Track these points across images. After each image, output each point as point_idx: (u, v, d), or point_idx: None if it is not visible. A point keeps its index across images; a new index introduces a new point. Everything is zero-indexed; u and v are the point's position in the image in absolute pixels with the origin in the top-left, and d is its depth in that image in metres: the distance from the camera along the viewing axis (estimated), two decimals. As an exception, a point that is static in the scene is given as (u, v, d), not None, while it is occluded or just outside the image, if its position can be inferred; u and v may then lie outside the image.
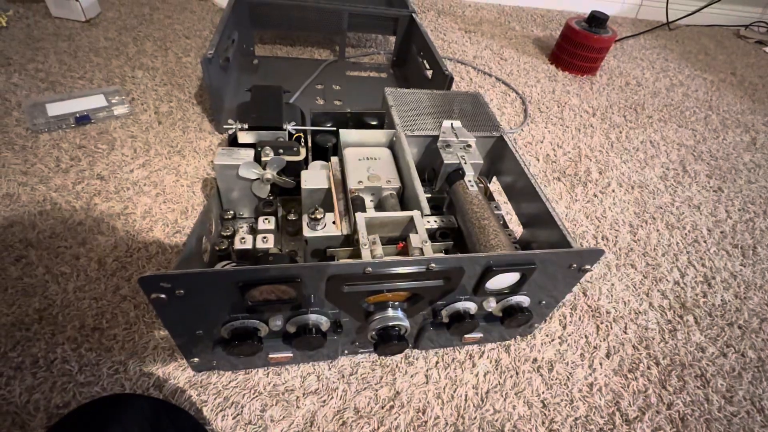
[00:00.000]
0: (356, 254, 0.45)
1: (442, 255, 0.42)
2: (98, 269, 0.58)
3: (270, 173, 0.52)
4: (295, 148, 0.54)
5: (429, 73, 0.95)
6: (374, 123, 0.63)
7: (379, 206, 0.53)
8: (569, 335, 0.62)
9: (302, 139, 0.57)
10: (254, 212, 0.59)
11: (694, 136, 1.14)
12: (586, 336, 0.63)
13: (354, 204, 0.48)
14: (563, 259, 0.44)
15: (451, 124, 0.60)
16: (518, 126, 1.04)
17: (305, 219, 0.46)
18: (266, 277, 0.35)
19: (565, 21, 1.67)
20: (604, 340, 0.63)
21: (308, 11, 1.03)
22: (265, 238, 0.50)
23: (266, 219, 0.53)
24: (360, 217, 0.43)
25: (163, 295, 0.35)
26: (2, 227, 0.61)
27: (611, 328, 0.64)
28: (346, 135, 0.56)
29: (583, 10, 1.87)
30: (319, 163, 0.57)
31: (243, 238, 0.50)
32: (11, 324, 0.51)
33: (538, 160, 0.95)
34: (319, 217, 0.45)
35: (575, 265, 0.45)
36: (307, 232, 0.45)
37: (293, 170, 0.55)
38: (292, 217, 0.56)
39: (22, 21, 1.06)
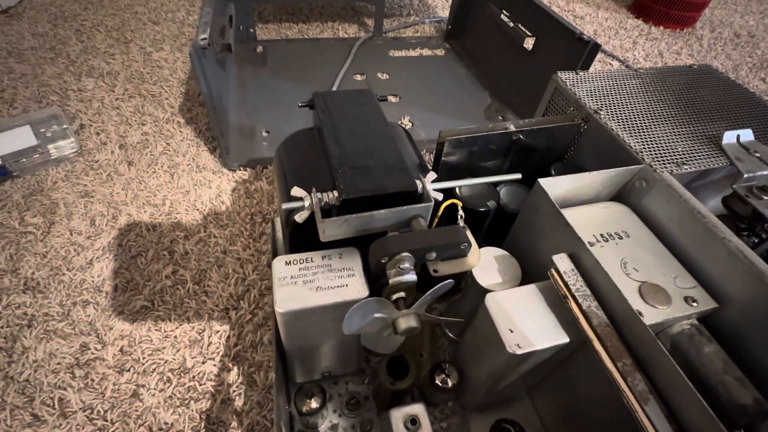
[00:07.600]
0: None
1: None
2: None
3: (415, 316, 0.21)
4: (463, 245, 0.22)
5: (529, 42, 0.63)
6: (547, 146, 0.32)
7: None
8: None
9: (459, 212, 0.25)
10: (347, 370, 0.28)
11: None
12: None
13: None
14: None
15: (737, 136, 0.29)
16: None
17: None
18: None
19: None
20: None
21: (330, -34, 0.70)
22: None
23: (412, 419, 0.22)
24: None
25: None
26: None
27: None
28: (552, 187, 0.25)
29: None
30: (494, 252, 0.25)
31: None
32: None
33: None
34: None
35: None
36: None
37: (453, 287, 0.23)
38: (444, 382, 0.25)
39: None
